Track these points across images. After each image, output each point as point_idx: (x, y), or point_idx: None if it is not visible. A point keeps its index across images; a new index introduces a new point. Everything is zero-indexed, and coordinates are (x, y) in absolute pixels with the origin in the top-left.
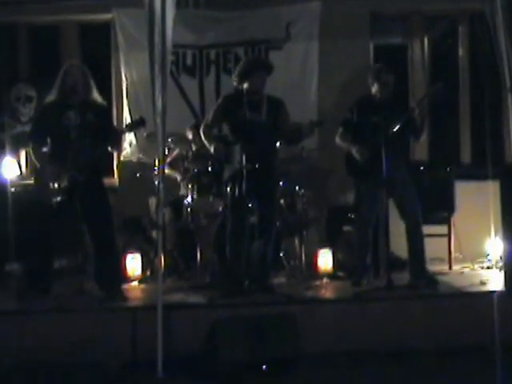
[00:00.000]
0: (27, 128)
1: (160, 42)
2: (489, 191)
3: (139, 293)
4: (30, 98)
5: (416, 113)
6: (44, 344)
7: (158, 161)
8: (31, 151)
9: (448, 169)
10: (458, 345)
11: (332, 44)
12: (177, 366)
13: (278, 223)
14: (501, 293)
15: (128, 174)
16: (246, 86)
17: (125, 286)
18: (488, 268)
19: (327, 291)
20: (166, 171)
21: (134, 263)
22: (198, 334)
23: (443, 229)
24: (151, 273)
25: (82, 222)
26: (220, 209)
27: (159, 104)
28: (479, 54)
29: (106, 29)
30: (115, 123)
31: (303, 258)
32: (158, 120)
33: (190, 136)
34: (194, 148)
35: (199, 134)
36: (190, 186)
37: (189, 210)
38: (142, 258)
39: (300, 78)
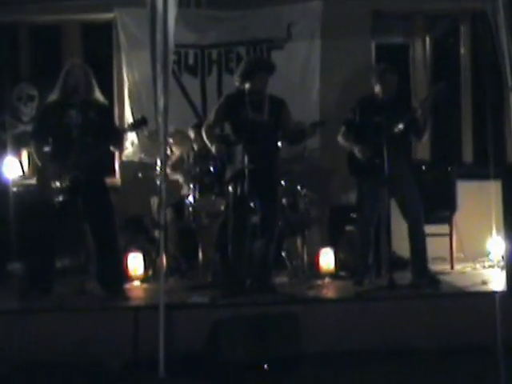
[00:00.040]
0: (29, 127)
1: (162, 41)
2: (491, 191)
3: (141, 292)
4: (31, 98)
5: (419, 113)
6: (46, 344)
7: (161, 161)
8: (33, 150)
9: (450, 168)
10: (460, 344)
11: (333, 43)
12: (178, 365)
13: (279, 223)
14: (503, 292)
15: (130, 174)
16: (247, 86)
17: (127, 286)
18: (490, 267)
19: (329, 291)
20: (168, 173)
21: (135, 263)
22: (199, 333)
23: (445, 228)
24: (153, 272)
25: (83, 222)
26: (222, 208)
27: (161, 103)
28: (481, 54)
29: (107, 28)
30: (117, 122)
31: (305, 257)
32: (160, 119)
33: (192, 135)
34: (195, 148)
35: (201, 133)
36: (191, 186)
37: (191, 209)
38: (144, 258)
39: (302, 78)
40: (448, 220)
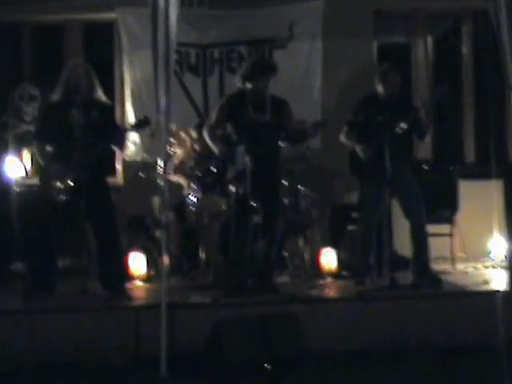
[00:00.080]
0: (31, 127)
1: (163, 40)
2: (492, 190)
3: (143, 292)
4: (33, 97)
5: (421, 113)
6: (48, 343)
7: (163, 161)
8: (36, 150)
9: (451, 168)
10: (462, 344)
11: (335, 43)
12: (180, 365)
13: (281, 223)
14: (504, 292)
15: (132, 174)
16: (249, 86)
17: (129, 286)
18: (491, 267)
19: (331, 290)
20: (170, 176)
21: (137, 262)
22: (201, 333)
23: (447, 228)
24: (155, 272)
25: (85, 222)
26: (224, 208)
27: (162, 103)
28: (483, 53)
29: (109, 28)
30: (119, 122)
31: (307, 257)
32: (162, 119)
33: (194, 135)
34: (197, 148)
35: (203, 133)
36: (193, 186)
37: (192, 209)
38: (146, 258)
39: (303, 77)
40: (450, 220)
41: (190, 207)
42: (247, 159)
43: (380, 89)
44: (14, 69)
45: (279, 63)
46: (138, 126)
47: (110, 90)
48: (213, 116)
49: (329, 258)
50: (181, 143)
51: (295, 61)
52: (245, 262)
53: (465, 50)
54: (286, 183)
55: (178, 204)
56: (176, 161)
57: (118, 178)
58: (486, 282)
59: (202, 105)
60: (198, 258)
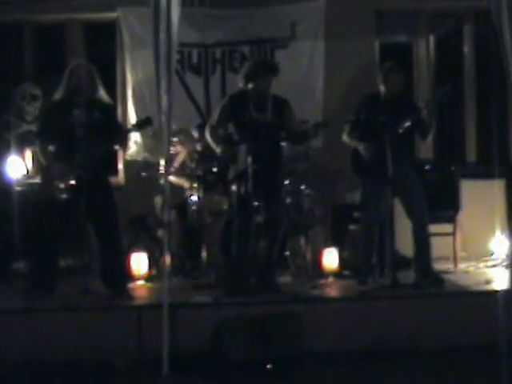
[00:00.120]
0: (33, 127)
1: (165, 40)
2: (494, 190)
3: (145, 292)
4: (35, 97)
5: (424, 113)
6: (50, 343)
7: (164, 160)
8: (39, 150)
9: (453, 168)
10: (464, 343)
11: (337, 43)
12: (182, 364)
13: (283, 222)
14: (506, 291)
15: (133, 173)
16: (251, 86)
17: (130, 285)
18: (493, 267)
19: (333, 290)
20: (172, 179)
21: (139, 262)
22: (203, 332)
23: (448, 227)
24: (157, 272)
25: (87, 221)
26: (225, 208)
27: (164, 103)
28: (484, 53)
29: (111, 27)
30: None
31: (309, 256)
32: (164, 119)
33: (196, 135)
34: (199, 147)
35: (205, 133)
36: (195, 185)
37: (194, 208)
38: (148, 257)
39: (305, 77)
40: (451, 219)
41: (192, 207)
42: (249, 159)
43: (382, 88)
44: (16, 68)
45: (281, 63)
46: (140, 126)
47: (111, 90)
48: (214, 116)
49: (331, 258)
50: (183, 142)
51: (297, 61)
52: (247, 262)
53: (466, 49)
54: (287, 183)
55: (180, 203)
56: (177, 163)
57: (120, 177)
58: (488, 282)
59: (203, 104)
60: (200, 257)
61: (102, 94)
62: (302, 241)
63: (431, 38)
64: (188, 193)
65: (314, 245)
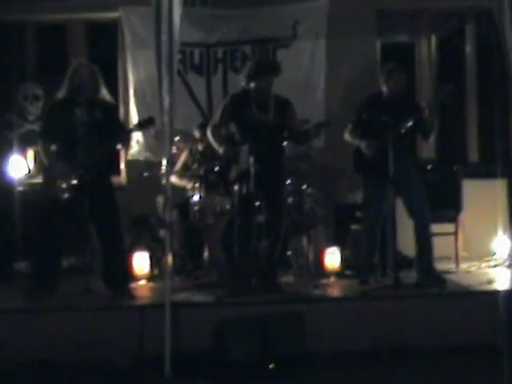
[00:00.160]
0: (35, 127)
1: (167, 40)
2: (496, 190)
3: (147, 291)
4: (37, 97)
5: (426, 113)
6: (51, 343)
7: (166, 160)
8: (41, 149)
9: (455, 167)
10: (466, 343)
11: (339, 42)
12: (184, 364)
13: (285, 222)
14: (508, 291)
15: (135, 173)
16: (253, 86)
17: (132, 285)
18: (495, 266)
19: (334, 290)
20: (174, 180)
21: (141, 262)
22: (205, 332)
23: (450, 227)
24: (159, 271)
25: (89, 221)
26: (227, 208)
27: (166, 102)
28: (486, 52)
29: (112, 27)
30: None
31: (311, 256)
32: (165, 118)
33: (198, 135)
34: (201, 147)
35: (206, 132)
36: (197, 185)
37: (196, 208)
38: (150, 257)
39: (307, 76)
40: (453, 219)
41: (194, 207)
42: (251, 159)
43: (385, 88)
44: (18, 68)
45: (283, 62)
46: (142, 126)
47: (113, 90)
48: (216, 115)
49: (333, 258)
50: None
51: (299, 60)
52: (248, 262)
53: (468, 49)
54: (289, 182)
55: (182, 203)
56: (179, 165)
57: (122, 177)
58: (490, 282)
59: (205, 104)
60: (202, 257)
61: (104, 93)
62: (304, 241)
63: (433, 38)
64: (190, 193)
65: (315, 244)
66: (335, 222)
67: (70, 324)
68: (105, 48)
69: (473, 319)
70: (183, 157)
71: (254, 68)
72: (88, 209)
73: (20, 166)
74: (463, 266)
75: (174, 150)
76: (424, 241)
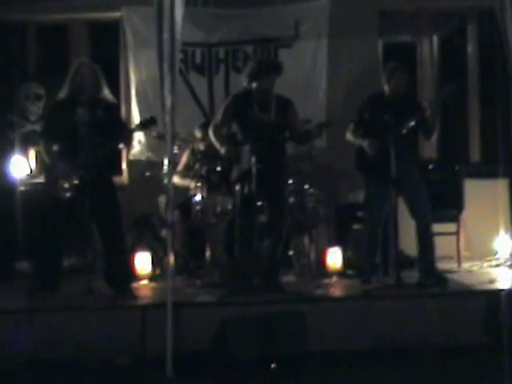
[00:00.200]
0: (36, 127)
1: (169, 40)
2: (498, 189)
3: (148, 291)
4: (38, 97)
5: (428, 113)
6: (53, 342)
7: (168, 160)
8: (43, 149)
9: (457, 167)
10: (467, 343)
11: (340, 42)
12: (186, 364)
13: (287, 222)
14: (510, 291)
15: (137, 173)
16: (255, 85)
17: (134, 285)
18: (497, 266)
19: (336, 289)
20: (176, 181)
21: (143, 261)
22: (207, 332)
23: (452, 227)
24: (160, 271)
25: (91, 220)
26: (229, 207)
27: (168, 102)
28: (488, 52)
29: (114, 27)
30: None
31: (312, 256)
32: (167, 118)
33: (199, 135)
34: (202, 147)
35: (208, 132)
36: (199, 185)
37: (198, 208)
38: (152, 257)
39: (309, 76)
40: (455, 219)
41: (196, 206)
42: (252, 159)
43: (386, 88)
44: (20, 68)
45: (285, 62)
46: (144, 126)
47: (115, 90)
48: (218, 115)
49: (334, 257)
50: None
51: (301, 60)
52: (250, 261)
53: (470, 49)
54: (291, 182)
55: (184, 203)
56: (181, 166)
57: (124, 177)
58: (492, 281)
59: (207, 104)
60: (204, 257)
61: (106, 93)
62: (306, 240)
63: (435, 38)
64: (192, 192)
65: (317, 244)
66: (337, 222)
67: (72, 324)
68: (107, 48)
69: (475, 319)
70: (185, 157)
71: (256, 68)
72: (90, 208)
73: (22, 165)
74: (465, 265)
75: (176, 149)
76: (426, 240)
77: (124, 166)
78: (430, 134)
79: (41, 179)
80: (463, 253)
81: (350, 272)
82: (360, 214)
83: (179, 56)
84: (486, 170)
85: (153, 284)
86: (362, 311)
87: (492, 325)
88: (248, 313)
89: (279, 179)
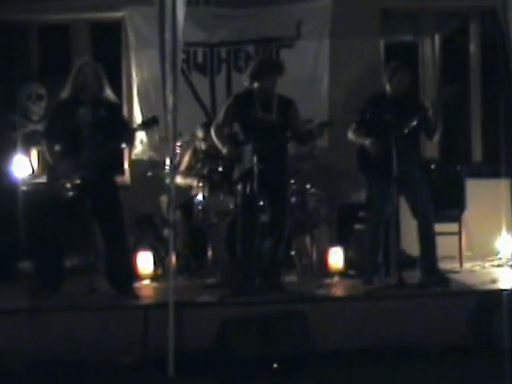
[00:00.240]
0: (38, 126)
1: (171, 40)
2: (500, 189)
3: (150, 291)
4: (40, 97)
5: (430, 113)
6: (55, 342)
7: (170, 159)
8: (45, 149)
9: (459, 167)
10: (469, 343)
11: (342, 42)
12: (188, 364)
13: (288, 222)
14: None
15: (139, 173)
16: (257, 85)
17: (136, 285)
18: (499, 266)
19: (338, 289)
20: (178, 181)
21: (145, 261)
22: (208, 332)
23: (454, 227)
24: (162, 271)
25: (93, 220)
26: (231, 207)
27: (170, 102)
28: (490, 52)
29: (116, 27)
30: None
31: (314, 256)
32: (169, 118)
33: (201, 134)
34: (204, 146)
35: (210, 132)
36: (200, 185)
37: (200, 208)
38: (154, 256)
39: (311, 76)
40: (457, 218)
41: (198, 206)
42: (254, 158)
43: (388, 87)
44: (21, 68)
45: (286, 62)
46: (146, 125)
47: (117, 90)
48: (220, 115)
49: (336, 257)
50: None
51: (302, 60)
52: (252, 261)
53: (472, 48)
54: (293, 182)
55: (186, 203)
56: (183, 166)
57: (126, 176)
58: (494, 281)
59: (209, 104)
60: (206, 257)
61: (109, 92)
62: (308, 240)
63: (437, 37)
64: (193, 192)
65: (319, 244)
66: (339, 222)
67: (74, 323)
68: (108, 48)
69: (476, 319)
70: (187, 156)
71: (258, 67)
72: (92, 208)
73: (24, 165)
74: (467, 265)
75: (178, 149)
76: (428, 240)
77: (126, 165)
78: (432, 134)
79: (43, 179)
80: (465, 253)
81: (351, 272)
82: (362, 213)
83: (181, 56)
84: (488, 170)
85: (154, 284)
86: (363, 311)
87: (493, 325)
88: (249, 313)
89: (281, 179)
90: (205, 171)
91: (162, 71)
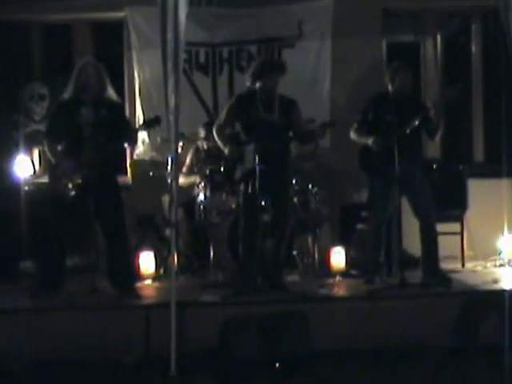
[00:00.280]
0: (40, 126)
1: (173, 39)
2: (502, 189)
3: (152, 291)
4: (42, 97)
5: (432, 113)
6: (57, 342)
7: (172, 161)
8: (47, 149)
9: (461, 167)
10: (471, 343)
11: (344, 42)
12: (190, 363)
13: (290, 221)
14: None
15: (141, 173)
16: (258, 85)
17: (138, 284)
18: (501, 266)
19: (340, 289)
20: (180, 181)
21: (147, 261)
22: (211, 331)
23: (456, 227)
24: (164, 271)
25: (95, 220)
26: (233, 207)
27: (172, 102)
28: (492, 52)
29: (118, 27)
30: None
31: (316, 256)
32: (171, 118)
33: (203, 134)
34: (205, 146)
35: (212, 132)
36: (202, 184)
37: (202, 207)
38: (155, 256)
39: (312, 76)
40: (459, 218)
41: (200, 206)
42: (256, 158)
43: (390, 88)
44: (24, 68)
45: (288, 62)
46: (149, 125)
47: (119, 90)
48: (222, 115)
49: (338, 257)
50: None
51: (304, 60)
52: (254, 261)
53: (474, 48)
54: (295, 182)
55: (188, 202)
56: (185, 168)
57: (128, 176)
58: (496, 281)
59: (211, 104)
60: (208, 256)
61: (111, 92)
62: (310, 240)
63: (439, 38)
64: (195, 192)
65: (321, 244)
66: (341, 222)
67: (76, 323)
68: (110, 48)
69: (477, 319)
70: (189, 156)
71: (260, 67)
72: (93, 208)
73: (26, 165)
74: (469, 265)
75: (180, 149)
76: (429, 240)
77: (128, 165)
78: (434, 134)
79: (45, 179)
80: (467, 253)
81: (353, 272)
82: (364, 213)
83: (183, 56)
84: (490, 170)
85: (156, 284)
86: (365, 311)
87: (495, 325)
88: (251, 312)
89: (283, 179)
90: (207, 171)
91: (164, 71)
